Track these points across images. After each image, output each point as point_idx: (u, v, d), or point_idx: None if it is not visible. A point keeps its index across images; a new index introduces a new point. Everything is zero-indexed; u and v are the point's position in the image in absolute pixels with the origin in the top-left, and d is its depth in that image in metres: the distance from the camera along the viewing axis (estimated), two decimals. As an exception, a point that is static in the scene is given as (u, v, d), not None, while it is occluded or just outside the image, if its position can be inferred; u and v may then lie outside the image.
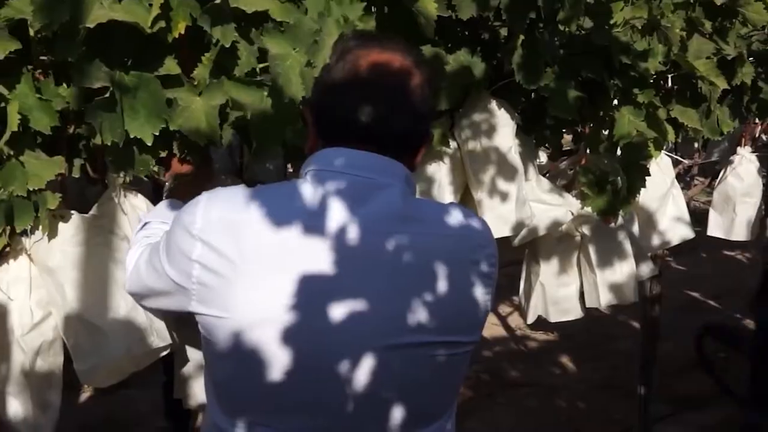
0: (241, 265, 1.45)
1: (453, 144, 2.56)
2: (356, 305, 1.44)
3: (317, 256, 1.44)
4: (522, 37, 2.40)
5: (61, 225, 1.99)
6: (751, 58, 3.21)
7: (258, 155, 2.15)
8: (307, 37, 1.83)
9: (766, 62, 3.36)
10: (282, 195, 1.52)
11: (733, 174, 4.02)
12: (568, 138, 3.30)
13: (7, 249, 1.98)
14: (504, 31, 2.51)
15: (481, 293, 1.55)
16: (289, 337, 1.43)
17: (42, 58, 1.82)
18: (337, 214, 1.46)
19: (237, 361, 1.49)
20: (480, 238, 1.58)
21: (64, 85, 1.82)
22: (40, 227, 1.94)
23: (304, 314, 1.43)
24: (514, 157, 2.56)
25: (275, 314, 1.43)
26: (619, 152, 2.76)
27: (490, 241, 1.60)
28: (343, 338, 1.44)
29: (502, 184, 2.53)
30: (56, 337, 2.05)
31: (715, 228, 4.11)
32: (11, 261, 2.00)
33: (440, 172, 2.56)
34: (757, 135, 4.15)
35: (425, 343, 1.48)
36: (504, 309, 6.86)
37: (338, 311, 1.43)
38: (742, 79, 3.08)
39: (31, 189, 1.85)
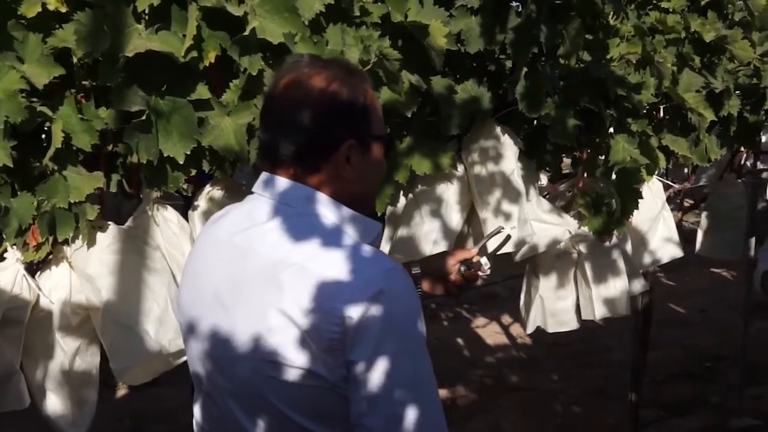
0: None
1: (461, 167, 2.55)
2: (245, 323, 1.38)
3: (199, 265, 1.52)
4: (525, 69, 2.39)
5: (99, 235, 2.00)
6: (737, 92, 3.19)
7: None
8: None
9: (752, 95, 3.34)
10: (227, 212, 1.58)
11: (719, 197, 3.98)
12: (567, 162, 3.29)
13: (50, 257, 1.98)
14: (509, 64, 2.50)
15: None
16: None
17: (84, 82, 1.83)
18: (228, 226, 1.49)
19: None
20: (361, 278, 1.32)
21: (104, 107, 1.83)
22: (80, 236, 1.94)
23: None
24: (517, 179, 2.54)
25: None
26: (614, 176, 2.74)
27: (374, 281, 1.32)
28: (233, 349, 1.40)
29: (506, 205, 2.52)
30: (94, 338, 2.05)
31: (702, 247, 4.07)
32: (53, 268, 2.00)
33: (448, 192, 2.55)
34: (741, 162, 4.12)
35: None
36: (506, 319, 6.82)
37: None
38: (729, 110, 3.06)
39: (72, 201, 1.86)
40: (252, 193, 1.50)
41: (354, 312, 1.28)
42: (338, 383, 1.31)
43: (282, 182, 1.44)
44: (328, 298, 1.29)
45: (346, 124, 1.45)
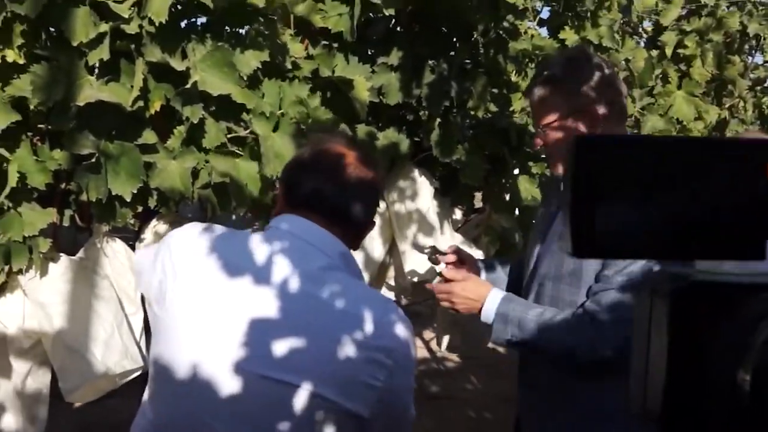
0: (173, 286, 1.38)
1: (382, 204, 2.57)
2: (241, 340, 1.33)
3: (229, 297, 1.36)
4: (438, 119, 2.44)
5: (51, 265, 1.95)
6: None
7: (226, 210, 2.10)
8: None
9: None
10: (228, 239, 1.44)
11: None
12: (479, 195, 3.34)
13: (5, 286, 1.92)
14: (424, 114, 2.54)
15: (358, 370, 1.35)
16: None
17: (39, 126, 1.79)
18: (260, 263, 1.38)
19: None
20: (366, 325, 1.36)
21: (58, 149, 1.79)
22: (34, 267, 1.89)
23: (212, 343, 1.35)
24: (432, 216, 2.57)
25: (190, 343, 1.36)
26: (517, 212, 2.80)
27: (386, 334, 1.37)
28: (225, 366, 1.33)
29: (422, 238, 2.54)
30: (44, 360, 1.99)
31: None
32: (8, 295, 1.94)
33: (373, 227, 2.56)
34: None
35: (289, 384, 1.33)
36: (427, 335, 6.84)
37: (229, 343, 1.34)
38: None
39: (26, 235, 1.81)
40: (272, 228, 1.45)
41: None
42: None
43: (332, 238, 1.43)
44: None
45: (377, 208, 1.54)
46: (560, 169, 1.90)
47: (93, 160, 1.74)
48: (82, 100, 1.63)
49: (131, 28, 1.67)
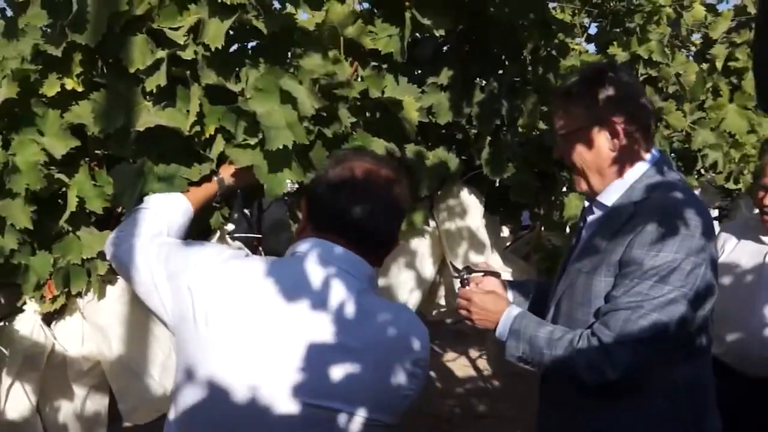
0: (212, 316, 1.37)
1: (432, 223, 2.55)
2: (290, 367, 1.34)
3: (269, 324, 1.36)
4: (489, 138, 2.42)
5: (109, 288, 1.97)
6: (672, 154, 3.23)
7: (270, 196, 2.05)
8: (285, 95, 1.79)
9: (685, 158, 3.39)
10: (261, 269, 1.42)
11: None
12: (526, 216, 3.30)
13: (64, 309, 1.95)
14: (473, 132, 2.52)
15: (401, 387, 1.39)
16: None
17: (96, 152, 1.82)
18: (299, 291, 1.37)
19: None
20: (413, 343, 1.40)
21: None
22: (92, 289, 1.91)
23: (248, 367, 1.35)
24: (483, 233, 2.55)
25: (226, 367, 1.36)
26: (567, 230, 2.76)
27: (423, 347, 1.42)
28: (274, 393, 1.34)
29: (473, 256, 2.52)
30: (103, 382, 2.00)
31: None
32: (67, 318, 1.96)
33: (422, 246, 2.55)
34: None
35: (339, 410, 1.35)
36: (473, 353, 6.78)
37: (275, 369, 1.34)
38: (666, 171, 3.09)
39: (84, 258, 1.83)
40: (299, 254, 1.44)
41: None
42: None
43: (361, 262, 1.44)
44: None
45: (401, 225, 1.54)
46: (583, 186, 1.89)
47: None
48: (141, 126, 1.64)
49: (187, 54, 1.68)
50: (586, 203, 1.95)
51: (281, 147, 1.70)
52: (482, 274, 2.03)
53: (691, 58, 3.46)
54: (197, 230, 1.92)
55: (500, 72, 2.41)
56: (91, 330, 1.95)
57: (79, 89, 1.73)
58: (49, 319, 1.96)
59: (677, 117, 3.09)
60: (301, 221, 1.54)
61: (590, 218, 1.91)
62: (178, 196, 1.74)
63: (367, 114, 2.17)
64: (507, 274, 2.71)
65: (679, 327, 1.67)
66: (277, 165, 1.77)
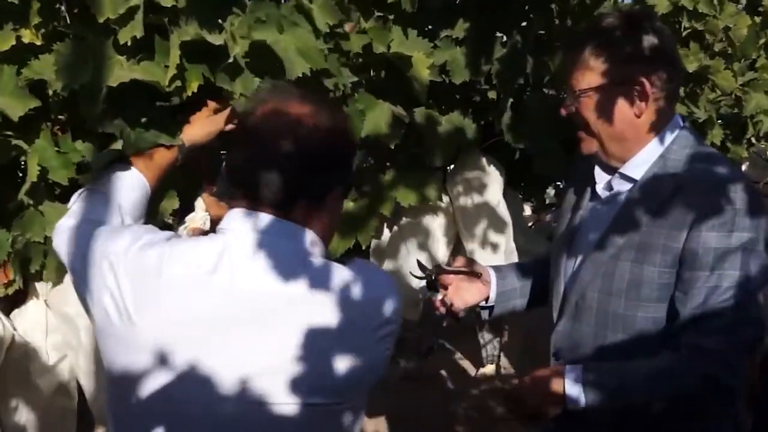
0: (134, 310, 1.36)
1: (446, 198, 2.53)
2: (232, 362, 1.34)
3: (202, 311, 1.35)
4: (511, 100, 2.38)
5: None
6: (720, 121, 3.20)
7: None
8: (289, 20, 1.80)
9: (734, 125, 3.35)
10: (189, 250, 1.40)
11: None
12: (550, 192, 3.28)
13: (24, 295, 1.93)
14: (492, 94, 2.48)
15: (372, 356, 1.39)
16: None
17: (60, 116, 1.79)
18: (229, 272, 1.35)
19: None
20: (376, 304, 1.39)
21: (80, 140, 1.78)
22: (46, 271, 1.87)
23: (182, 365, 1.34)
24: (503, 210, 2.53)
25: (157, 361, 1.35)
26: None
27: (386, 303, 1.40)
28: (217, 389, 1.34)
29: (492, 236, 2.50)
30: (71, 378, 1.99)
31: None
32: (30, 305, 1.95)
33: (434, 224, 2.53)
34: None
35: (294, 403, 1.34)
36: (490, 350, 6.79)
37: (217, 366, 1.34)
38: (712, 140, 3.07)
39: (48, 235, 1.79)
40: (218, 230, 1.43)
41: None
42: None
43: (288, 224, 1.39)
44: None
45: (340, 173, 1.45)
46: (593, 147, 1.84)
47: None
48: (114, 81, 1.61)
49: (165, 1, 1.65)
50: (597, 172, 1.89)
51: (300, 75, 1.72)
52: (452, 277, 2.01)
53: (742, 9, 3.40)
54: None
55: (524, 24, 2.37)
56: (56, 320, 1.94)
57: (38, 42, 1.69)
58: (8, 308, 1.94)
59: (726, 77, 3.04)
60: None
61: (609, 193, 1.87)
62: (131, 173, 1.71)
63: (371, 72, 2.14)
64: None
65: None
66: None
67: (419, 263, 2.10)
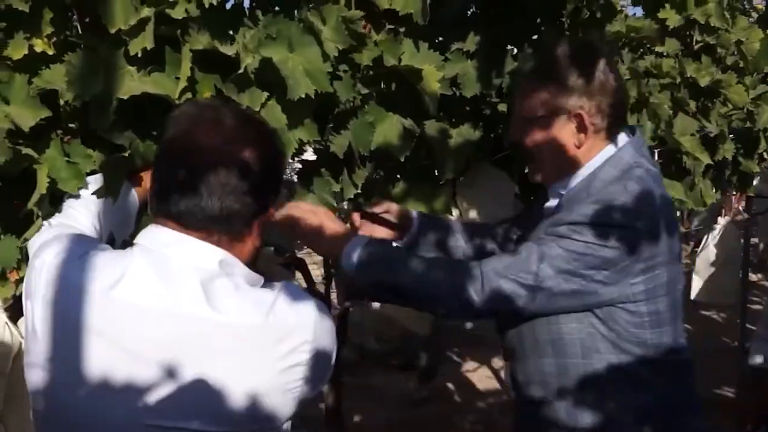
0: (39, 318, 1.37)
1: (455, 212, 2.52)
2: (128, 383, 1.31)
3: (102, 328, 1.33)
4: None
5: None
6: (731, 135, 3.20)
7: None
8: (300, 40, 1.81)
9: (746, 139, 3.35)
10: (99, 264, 1.39)
11: (714, 242, 3.98)
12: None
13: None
14: (504, 107, 2.49)
15: (278, 383, 1.35)
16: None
17: (71, 125, 1.79)
18: (128, 288, 1.34)
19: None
20: (285, 329, 1.36)
21: (92, 150, 1.79)
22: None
23: (77, 383, 1.33)
24: (513, 224, 2.52)
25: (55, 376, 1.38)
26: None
27: (303, 325, 1.37)
28: (113, 413, 1.32)
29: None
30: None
31: (698, 292, 4.05)
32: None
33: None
34: (735, 206, 4.13)
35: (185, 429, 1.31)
36: (496, 363, 6.77)
37: (110, 386, 1.31)
38: (724, 154, 3.07)
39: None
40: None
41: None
42: None
43: (196, 244, 1.37)
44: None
45: (273, 189, 1.45)
46: (538, 178, 1.92)
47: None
48: (124, 94, 1.62)
49: (177, 13, 1.66)
50: (549, 191, 1.96)
51: (303, 96, 1.73)
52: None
53: (754, 23, 3.40)
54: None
55: (535, 37, 2.38)
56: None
57: (50, 52, 1.70)
58: (15, 316, 1.94)
59: (738, 91, 3.05)
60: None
61: (545, 206, 1.94)
62: (124, 186, 1.74)
63: (382, 85, 2.14)
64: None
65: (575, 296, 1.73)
66: (293, 120, 1.81)
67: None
